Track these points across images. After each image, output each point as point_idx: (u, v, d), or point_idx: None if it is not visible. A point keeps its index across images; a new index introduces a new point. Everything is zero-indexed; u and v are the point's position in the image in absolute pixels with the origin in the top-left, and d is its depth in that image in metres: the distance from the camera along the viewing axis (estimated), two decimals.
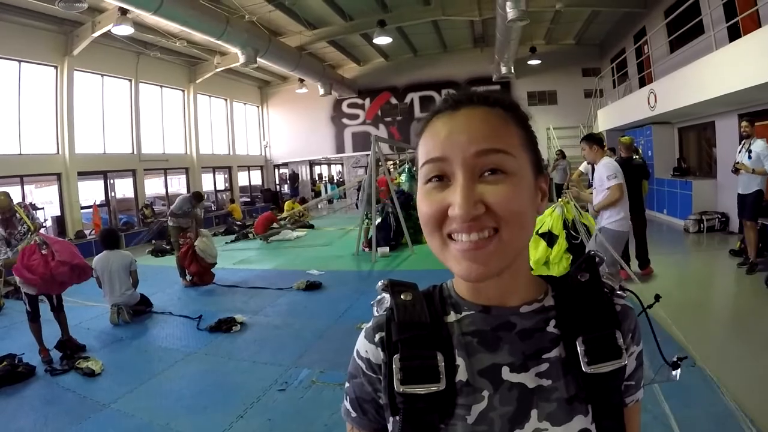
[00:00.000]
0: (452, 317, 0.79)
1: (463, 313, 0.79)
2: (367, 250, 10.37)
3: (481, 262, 0.68)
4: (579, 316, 0.76)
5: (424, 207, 0.72)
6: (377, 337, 0.80)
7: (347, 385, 0.85)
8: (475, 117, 0.72)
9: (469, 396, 0.73)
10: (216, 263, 8.58)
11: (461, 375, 0.74)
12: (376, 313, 0.83)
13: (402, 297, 0.79)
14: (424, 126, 0.77)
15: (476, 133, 0.70)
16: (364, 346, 0.82)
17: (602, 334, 0.75)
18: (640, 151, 11.44)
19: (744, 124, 6.98)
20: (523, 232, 0.71)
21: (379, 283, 0.83)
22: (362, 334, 0.83)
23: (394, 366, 0.73)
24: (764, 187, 6.85)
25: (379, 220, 10.48)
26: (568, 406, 0.73)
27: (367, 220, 10.45)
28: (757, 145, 6.64)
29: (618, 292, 0.82)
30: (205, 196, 13.62)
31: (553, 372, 0.74)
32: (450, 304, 0.81)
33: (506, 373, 0.74)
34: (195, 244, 8.27)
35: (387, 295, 0.81)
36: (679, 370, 0.98)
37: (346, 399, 0.86)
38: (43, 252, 4.98)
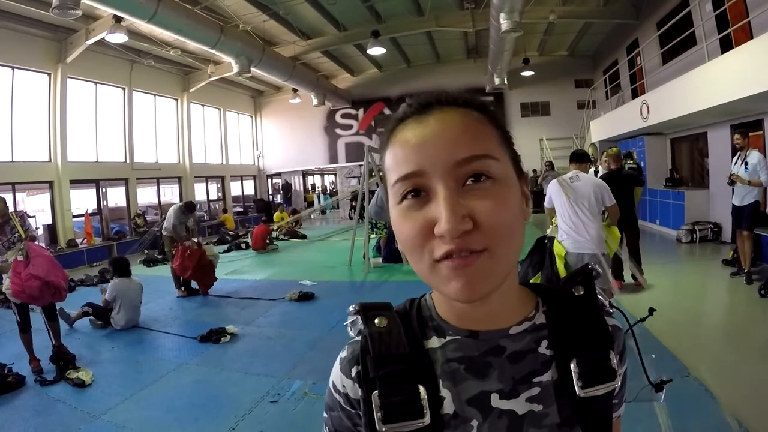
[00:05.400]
0: (435, 342, 0.73)
1: (448, 338, 0.73)
2: (380, 260, 10.33)
3: (472, 282, 0.61)
4: (573, 336, 0.72)
5: (404, 229, 0.64)
6: (353, 371, 0.74)
7: (325, 415, 0.81)
8: (449, 121, 0.65)
9: (458, 428, 0.69)
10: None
11: (447, 407, 0.69)
12: (350, 334, 0.76)
13: (376, 323, 0.73)
14: (389, 136, 0.69)
15: (454, 140, 0.63)
16: (340, 380, 0.76)
17: (597, 356, 0.71)
18: (635, 156, 11.48)
19: (737, 136, 6.98)
20: (514, 245, 0.65)
21: (351, 308, 0.76)
22: (337, 364, 0.77)
23: (373, 404, 0.68)
24: (761, 198, 6.86)
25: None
26: (558, 431, 0.69)
27: (385, 230, 10.38)
28: (753, 156, 6.64)
29: (608, 309, 0.77)
30: (198, 206, 13.59)
31: (545, 396, 0.70)
32: (432, 327, 0.75)
33: (495, 401, 0.69)
34: (207, 254, 8.43)
35: (359, 317, 0.75)
36: (663, 393, 0.95)
37: (325, 429, 0.81)
38: (19, 259, 4.93)
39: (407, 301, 0.80)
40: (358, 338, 0.75)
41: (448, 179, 0.61)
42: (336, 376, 0.77)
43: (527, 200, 0.72)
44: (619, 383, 0.75)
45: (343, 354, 0.77)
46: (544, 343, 0.72)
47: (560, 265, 4.81)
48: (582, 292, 0.75)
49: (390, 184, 0.67)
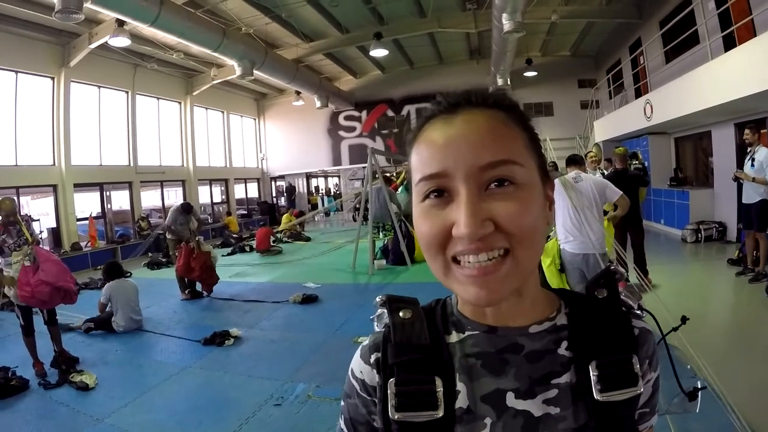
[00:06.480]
0: (454, 337, 0.73)
1: (467, 333, 0.72)
2: (384, 262, 10.29)
3: (491, 288, 0.62)
4: (594, 338, 0.70)
5: (423, 227, 0.65)
6: (373, 357, 0.74)
7: (342, 403, 0.80)
8: (476, 123, 0.64)
9: (470, 424, 0.68)
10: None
11: (462, 402, 0.68)
12: (375, 329, 0.77)
13: (401, 315, 0.73)
14: (417, 134, 0.69)
15: (480, 143, 0.62)
16: (359, 366, 0.76)
17: (618, 359, 0.69)
18: (640, 156, 11.45)
19: (746, 131, 6.82)
20: (536, 249, 0.65)
21: (377, 299, 0.77)
22: (358, 351, 0.78)
23: (389, 391, 0.68)
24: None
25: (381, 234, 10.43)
26: None
27: (392, 232, 10.34)
28: (761, 153, 6.52)
29: (636, 312, 0.75)
30: (202, 208, 13.56)
31: (562, 399, 0.68)
32: (452, 322, 0.75)
33: (511, 400, 0.68)
34: (212, 255, 8.43)
35: (385, 311, 0.75)
36: (697, 401, 0.93)
37: (341, 418, 0.81)
38: (26, 264, 4.93)
39: (433, 300, 0.80)
40: (383, 330, 0.75)
41: (470, 183, 0.61)
42: (355, 362, 0.78)
43: (551, 204, 0.72)
44: (649, 390, 0.75)
45: (365, 342, 0.78)
46: (564, 344, 0.71)
47: (549, 268, 4.87)
48: (605, 295, 0.74)
49: (414, 183, 0.67)
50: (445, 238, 0.63)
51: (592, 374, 0.67)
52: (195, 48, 13.04)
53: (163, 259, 12.09)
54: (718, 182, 10.22)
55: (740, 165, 7.23)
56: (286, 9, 13.01)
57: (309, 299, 7.61)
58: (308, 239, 15.80)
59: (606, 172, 8.32)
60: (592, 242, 4.59)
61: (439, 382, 0.68)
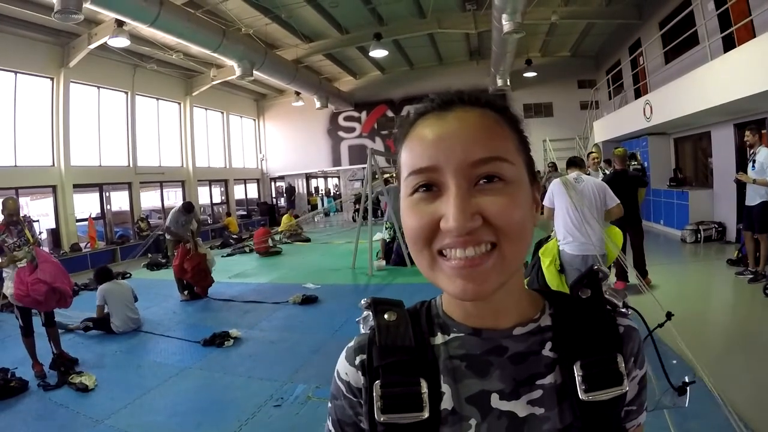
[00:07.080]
0: (439, 339, 0.74)
1: (452, 335, 0.73)
2: (384, 263, 10.27)
3: (478, 281, 0.62)
4: (578, 338, 0.70)
5: (410, 221, 0.65)
6: (358, 359, 0.75)
7: (329, 405, 0.81)
8: (468, 120, 0.65)
9: (455, 425, 0.68)
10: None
11: (446, 403, 0.69)
12: (361, 331, 0.78)
13: (385, 317, 0.74)
14: (408, 130, 0.69)
15: (471, 140, 0.63)
16: (344, 368, 0.77)
17: (602, 358, 0.69)
18: (639, 157, 11.46)
19: (747, 132, 6.81)
20: (523, 245, 0.64)
21: (362, 301, 0.78)
22: (343, 353, 0.79)
23: (374, 393, 0.69)
24: None
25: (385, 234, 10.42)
26: None
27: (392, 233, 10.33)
28: (761, 153, 6.51)
29: (621, 310, 0.76)
30: (201, 209, 13.53)
31: (547, 400, 0.68)
32: (438, 324, 0.75)
33: (495, 401, 0.68)
34: (207, 258, 8.39)
35: (370, 314, 0.76)
36: (687, 396, 0.93)
37: (329, 419, 0.82)
38: (21, 265, 4.94)
39: (419, 302, 0.80)
40: (368, 332, 0.76)
41: (460, 178, 0.62)
42: (341, 364, 0.78)
43: (537, 206, 0.72)
44: (635, 388, 0.75)
45: (351, 344, 0.79)
46: (548, 345, 0.71)
47: (549, 269, 4.83)
48: (588, 294, 0.74)
49: (403, 177, 0.68)
50: (433, 231, 0.63)
51: (577, 374, 0.68)
52: (194, 48, 13.00)
53: (163, 260, 12.06)
54: (717, 183, 10.22)
55: (740, 165, 7.22)
56: (286, 9, 13.00)
57: (309, 300, 7.60)
58: (308, 240, 15.80)
59: (607, 173, 8.34)
60: (593, 243, 4.59)
61: (424, 383, 0.68)
